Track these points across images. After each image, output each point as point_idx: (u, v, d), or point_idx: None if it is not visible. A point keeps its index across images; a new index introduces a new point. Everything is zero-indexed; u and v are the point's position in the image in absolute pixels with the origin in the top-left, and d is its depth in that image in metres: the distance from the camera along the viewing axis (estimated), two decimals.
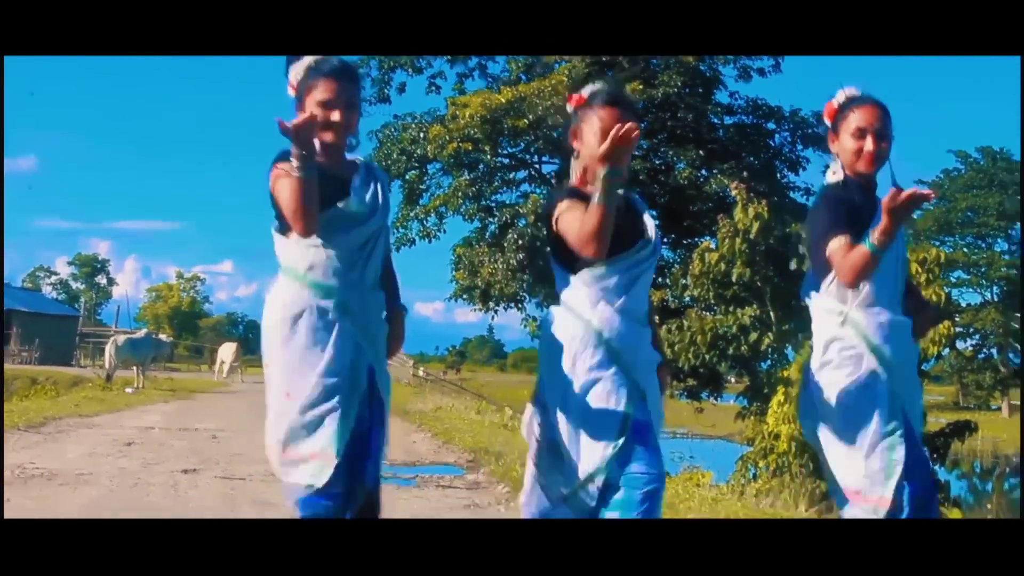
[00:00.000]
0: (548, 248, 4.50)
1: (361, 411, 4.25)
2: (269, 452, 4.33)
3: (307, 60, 4.38)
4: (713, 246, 15.21)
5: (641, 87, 30.57)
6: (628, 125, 3.90)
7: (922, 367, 14.04)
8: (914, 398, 4.60)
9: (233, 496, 9.10)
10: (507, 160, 34.84)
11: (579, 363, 4.23)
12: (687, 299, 19.61)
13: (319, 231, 4.16)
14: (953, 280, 71.37)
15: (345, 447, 4.17)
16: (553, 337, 4.33)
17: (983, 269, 74.09)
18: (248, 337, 70.93)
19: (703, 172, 32.22)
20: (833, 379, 4.49)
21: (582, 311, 4.27)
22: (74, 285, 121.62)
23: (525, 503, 4.54)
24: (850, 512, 4.42)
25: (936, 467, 14.90)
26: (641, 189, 32.73)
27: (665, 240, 34.79)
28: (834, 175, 4.60)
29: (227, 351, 41.51)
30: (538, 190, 33.61)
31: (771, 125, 34.63)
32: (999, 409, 70.37)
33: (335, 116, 4.32)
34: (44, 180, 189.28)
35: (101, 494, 8.89)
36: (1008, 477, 34.33)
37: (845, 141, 4.56)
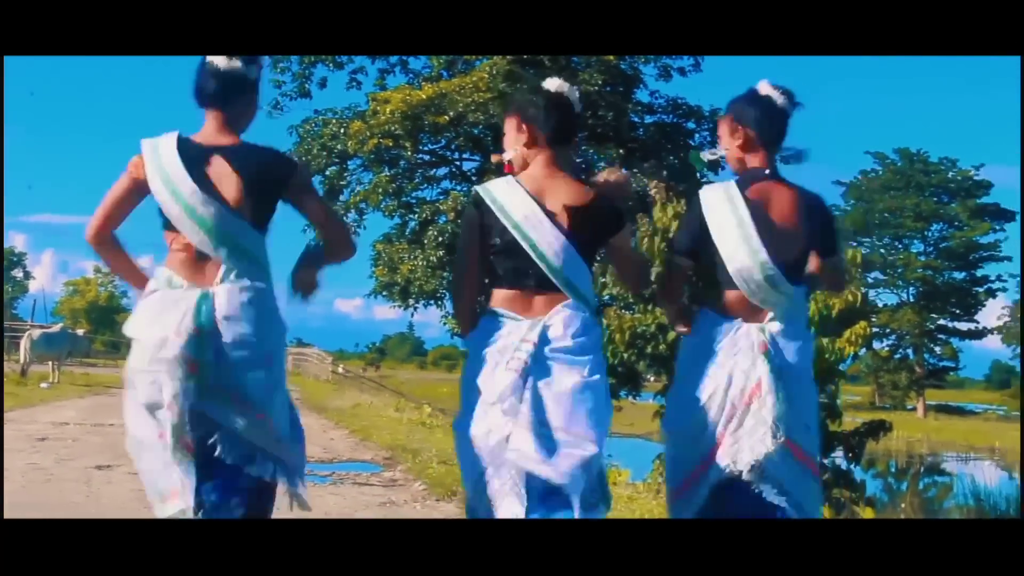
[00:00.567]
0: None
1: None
2: None
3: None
4: (632, 245, 15.20)
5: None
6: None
7: (839, 366, 14.15)
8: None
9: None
10: (428, 157, 34.86)
11: None
12: (606, 297, 19.59)
13: None
14: (870, 280, 72.16)
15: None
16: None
17: (900, 270, 74.94)
18: None
19: (623, 170, 32.30)
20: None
21: None
22: None
23: None
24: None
25: (852, 466, 14.99)
26: None
27: None
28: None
29: None
30: (459, 187, 33.61)
31: (691, 124, 34.92)
32: (914, 409, 71.17)
33: None
34: None
35: (13, 490, 8.68)
36: (922, 477, 34.72)
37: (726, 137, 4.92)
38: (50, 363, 28.87)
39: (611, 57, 31.41)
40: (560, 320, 4.25)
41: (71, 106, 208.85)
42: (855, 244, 64.37)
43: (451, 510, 9.02)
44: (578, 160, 33.28)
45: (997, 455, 39.52)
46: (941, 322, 75.58)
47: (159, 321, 4.08)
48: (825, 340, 12.97)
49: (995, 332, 76.77)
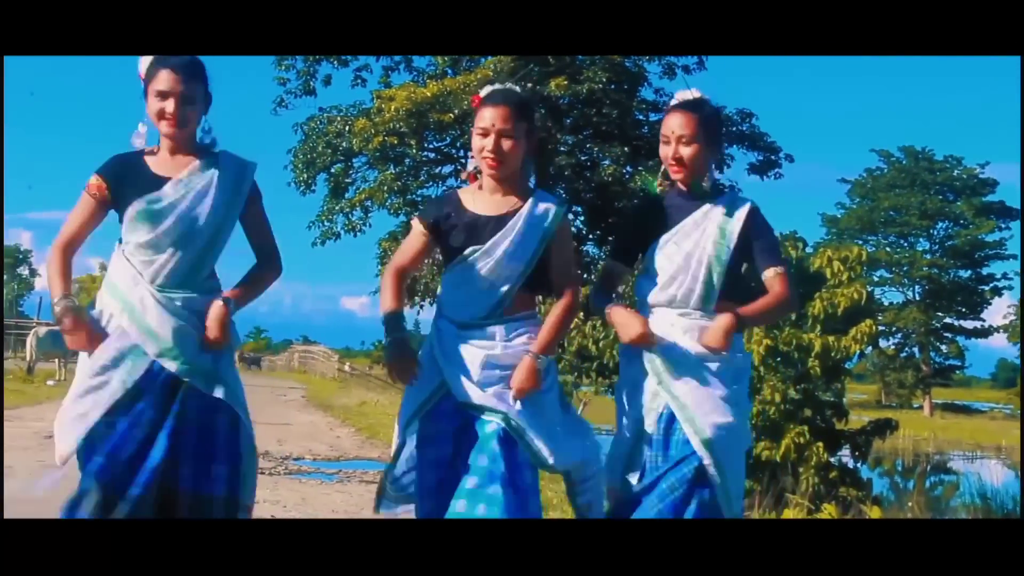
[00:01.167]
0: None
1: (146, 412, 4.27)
2: None
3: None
4: None
5: (566, 83, 30.59)
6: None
7: (844, 365, 14.10)
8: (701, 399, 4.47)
9: None
10: (433, 154, 34.78)
11: None
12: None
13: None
14: (876, 279, 72.15)
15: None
16: None
17: (905, 268, 74.93)
18: None
19: (628, 168, 32.25)
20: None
21: None
22: None
23: None
24: None
25: (859, 464, 14.96)
26: (566, 185, 32.76)
27: (590, 236, 34.86)
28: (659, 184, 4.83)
29: None
30: (463, 185, 33.51)
31: None
32: (921, 408, 71.20)
33: (168, 107, 4.38)
34: None
35: (20, 487, 8.75)
36: (929, 475, 34.66)
37: (660, 147, 4.71)
38: (56, 360, 28.91)
39: (615, 55, 31.34)
40: None
41: (78, 104, 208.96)
42: (860, 242, 64.31)
43: None
44: (583, 158, 33.28)
45: (1004, 453, 39.54)
46: (947, 320, 75.60)
47: None
48: (831, 338, 12.94)
49: (1001, 330, 76.58)
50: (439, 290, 4.55)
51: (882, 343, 67.60)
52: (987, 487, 16.66)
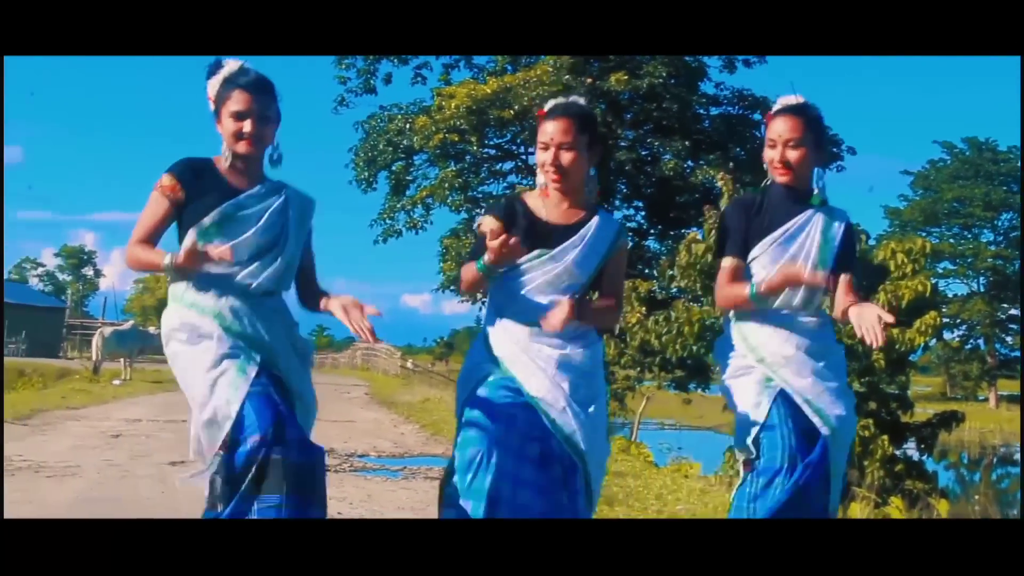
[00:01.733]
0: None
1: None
2: None
3: (224, 72, 4.45)
4: (700, 237, 15.17)
5: (626, 78, 30.56)
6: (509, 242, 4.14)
7: (909, 357, 14.08)
8: (820, 392, 4.60)
9: None
10: (493, 151, 34.86)
11: None
12: (674, 290, 19.58)
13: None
14: (940, 271, 71.47)
15: None
16: None
17: (969, 260, 74.17)
18: None
19: (689, 163, 32.23)
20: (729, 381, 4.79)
21: None
22: (61, 277, 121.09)
23: None
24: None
25: (924, 457, 14.92)
26: (627, 180, 32.75)
27: (651, 231, 34.83)
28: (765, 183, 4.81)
29: None
30: (524, 181, 33.61)
31: (757, 116, 34.61)
32: (986, 400, 70.50)
33: (246, 127, 4.38)
34: (30, 171, 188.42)
35: (88, 486, 8.86)
36: (995, 468, 34.38)
37: (765, 150, 4.74)
38: (122, 360, 29.17)
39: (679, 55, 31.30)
40: None
41: (149, 105, 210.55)
42: (923, 234, 63.80)
43: None
44: (644, 153, 33.25)
45: None
46: (1012, 311, 74.66)
47: None
48: (895, 331, 12.93)
49: None
50: (490, 291, 4.57)
51: (947, 335, 66.93)
52: None
